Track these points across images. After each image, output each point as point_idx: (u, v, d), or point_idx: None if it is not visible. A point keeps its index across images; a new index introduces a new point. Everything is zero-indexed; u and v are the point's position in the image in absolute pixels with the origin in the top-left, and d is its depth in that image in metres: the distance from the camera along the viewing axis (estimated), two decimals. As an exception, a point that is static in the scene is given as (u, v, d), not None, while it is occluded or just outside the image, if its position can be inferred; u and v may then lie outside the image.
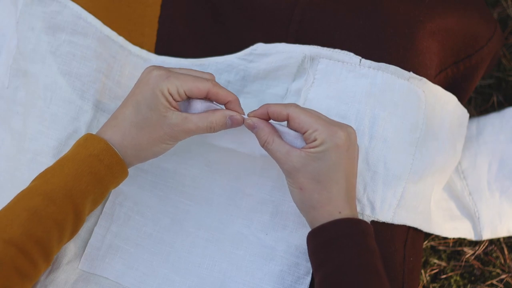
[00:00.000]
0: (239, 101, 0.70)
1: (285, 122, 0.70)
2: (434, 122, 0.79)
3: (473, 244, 0.96)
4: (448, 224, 0.91)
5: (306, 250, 0.72)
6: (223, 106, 0.71)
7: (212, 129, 0.69)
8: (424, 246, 0.96)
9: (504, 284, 0.94)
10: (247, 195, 0.79)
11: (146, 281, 0.76)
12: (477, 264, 0.95)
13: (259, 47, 0.80)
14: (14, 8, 0.81)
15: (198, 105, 0.70)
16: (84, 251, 0.75)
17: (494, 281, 0.94)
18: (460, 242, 0.96)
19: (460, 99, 0.84)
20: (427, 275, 0.95)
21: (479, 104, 1.03)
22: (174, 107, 0.68)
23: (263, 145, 0.69)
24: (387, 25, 0.77)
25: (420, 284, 0.95)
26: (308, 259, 0.74)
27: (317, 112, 0.70)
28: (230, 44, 0.83)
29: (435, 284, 0.96)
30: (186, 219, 0.79)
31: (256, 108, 0.71)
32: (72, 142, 0.76)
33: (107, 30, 0.80)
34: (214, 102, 0.71)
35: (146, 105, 0.67)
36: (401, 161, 0.75)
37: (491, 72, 1.04)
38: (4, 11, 0.85)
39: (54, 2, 0.77)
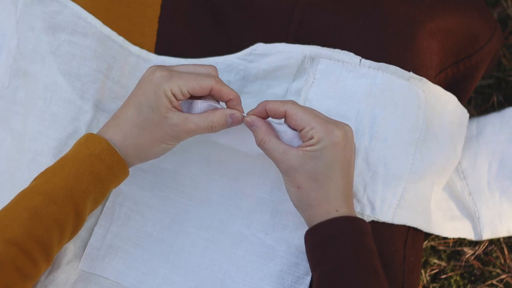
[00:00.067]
0: (240, 99, 0.70)
1: (283, 120, 0.70)
2: (434, 122, 0.79)
3: (473, 244, 0.96)
4: (448, 224, 0.91)
5: (306, 250, 0.72)
6: (224, 104, 0.71)
7: (212, 129, 0.69)
8: (424, 246, 0.96)
9: (504, 284, 0.94)
10: (247, 195, 0.79)
11: (146, 281, 0.76)
12: (477, 264, 0.95)
13: (259, 47, 0.80)
14: (14, 8, 0.81)
15: (199, 105, 0.70)
16: (84, 251, 0.75)
17: (494, 281, 0.94)
18: (460, 242, 0.96)
19: (460, 99, 0.84)
20: (427, 275, 0.95)
21: (479, 104, 1.03)
22: (176, 108, 0.68)
23: (259, 144, 0.69)
24: (387, 25, 0.77)
25: (420, 284, 0.95)
26: (308, 259, 0.74)
27: (314, 110, 0.70)
28: (230, 44, 0.83)
29: (435, 284, 0.96)
30: (186, 219, 0.79)
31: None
32: (72, 142, 0.76)
33: (107, 30, 0.80)
34: (214, 101, 0.71)
35: (148, 106, 0.67)
36: (401, 161, 0.75)
37: (491, 72, 1.04)
38: (4, 11, 0.85)
39: (54, 2, 0.77)
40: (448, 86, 0.82)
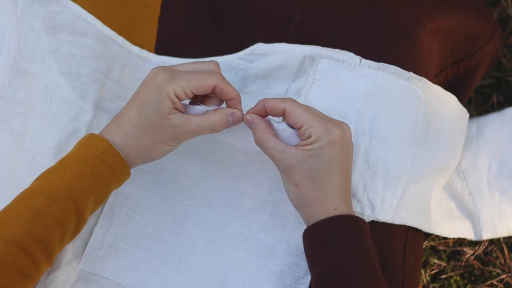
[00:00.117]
0: (240, 98, 0.70)
1: (281, 118, 0.70)
2: (434, 122, 0.79)
3: (473, 244, 0.96)
4: (448, 224, 0.91)
5: (306, 250, 0.72)
6: (224, 106, 0.71)
7: (214, 129, 0.69)
8: (424, 246, 0.96)
9: (504, 284, 0.94)
10: (246, 195, 0.79)
11: (146, 281, 0.76)
12: (477, 264, 0.95)
13: (259, 47, 0.80)
14: (14, 8, 0.81)
15: (198, 109, 0.70)
16: (84, 251, 0.75)
17: (494, 281, 0.94)
18: (460, 242, 0.96)
19: (460, 99, 0.84)
20: (427, 275, 0.95)
21: (479, 104, 1.03)
22: (178, 109, 0.68)
23: (258, 142, 0.69)
24: (387, 25, 0.77)
25: (420, 284, 0.95)
26: (308, 259, 0.74)
27: (313, 108, 0.70)
28: (230, 44, 0.83)
29: (435, 284, 0.96)
30: (186, 219, 0.79)
31: None
32: (72, 142, 0.76)
33: (107, 30, 0.80)
34: (213, 105, 0.71)
35: (150, 108, 0.67)
36: (401, 161, 0.75)
37: (491, 72, 1.04)
38: (4, 11, 0.85)
39: (54, 2, 0.77)
40: (448, 86, 0.83)
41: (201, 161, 0.81)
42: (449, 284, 0.95)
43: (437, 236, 0.96)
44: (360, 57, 0.76)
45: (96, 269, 0.75)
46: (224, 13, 0.85)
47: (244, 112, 0.70)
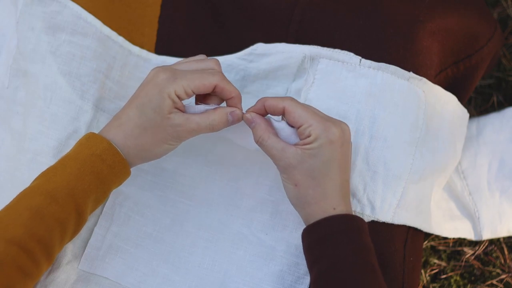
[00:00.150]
0: (241, 97, 0.70)
1: (281, 117, 0.70)
2: (434, 122, 0.79)
3: (473, 244, 0.96)
4: (448, 224, 0.91)
5: (306, 250, 0.72)
6: (224, 104, 0.71)
7: (214, 128, 0.69)
8: (424, 246, 0.96)
9: (504, 284, 0.94)
10: (246, 195, 0.79)
11: (146, 281, 0.76)
12: (477, 264, 0.95)
13: (259, 47, 0.80)
14: (14, 8, 0.81)
15: (198, 108, 0.70)
16: (84, 251, 0.75)
17: (494, 281, 0.94)
18: (460, 242, 0.96)
19: (460, 99, 0.84)
20: (427, 275, 0.95)
21: (479, 104, 1.03)
22: (178, 108, 0.68)
23: (258, 141, 0.69)
24: (387, 25, 0.77)
25: (420, 284, 0.95)
26: (308, 259, 0.74)
27: (313, 107, 0.70)
28: (230, 44, 0.83)
29: (435, 284, 0.96)
30: (186, 219, 0.79)
31: None
32: (72, 142, 0.76)
33: (107, 30, 0.80)
34: (213, 104, 0.71)
35: (150, 108, 0.67)
36: (401, 161, 0.75)
37: (491, 72, 1.04)
38: (4, 11, 0.85)
39: (54, 2, 0.77)
40: (448, 86, 0.83)
41: (201, 161, 0.81)
42: (449, 284, 0.95)
43: (437, 236, 0.96)
44: (360, 57, 0.76)
45: (96, 269, 0.75)
46: (224, 13, 0.85)
47: (244, 111, 0.71)
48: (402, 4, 0.79)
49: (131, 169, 0.71)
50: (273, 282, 0.75)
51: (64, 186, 0.65)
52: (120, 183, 0.70)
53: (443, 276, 0.96)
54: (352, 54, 0.77)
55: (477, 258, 0.95)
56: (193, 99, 0.74)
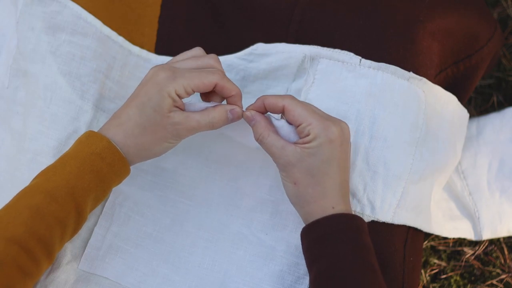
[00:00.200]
0: (241, 95, 0.71)
1: (281, 115, 0.70)
2: (434, 122, 0.79)
3: (473, 244, 0.96)
4: (448, 224, 0.91)
5: (306, 250, 0.72)
6: (224, 101, 0.71)
7: (213, 125, 0.69)
8: (424, 246, 0.96)
9: (504, 284, 0.94)
10: (246, 195, 0.79)
11: (146, 281, 0.76)
12: (477, 264, 0.95)
13: (259, 47, 0.80)
14: (14, 8, 0.81)
15: (198, 105, 0.70)
16: (84, 251, 0.75)
17: (494, 281, 0.94)
18: (460, 242, 0.96)
19: (460, 99, 0.84)
20: (427, 275, 0.95)
21: (479, 104, 1.03)
22: (178, 107, 0.68)
23: (258, 138, 0.69)
24: (387, 25, 0.77)
25: (420, 284, 0.95)
26: (308, 259, 0.74)
27: (313, 106, 0.70)
28: (230, 44, 0.83)
29: (435, 284, 0.96)
30: (186, 219, 0.79)
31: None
32: (72, 142, 0.76)
33: (107, 30, 0.80)
34: (213, 102, 0.71)
35: (150, 107, 0.67)
36: (401, 161, 0.75)
37: (491, 72, 1.04)
38: (4, 11, 0.85)
39: (54, 2, 0.77)
40: (448, 86, 0.83)
41: (201, 161, 0.81)
42: (449, 284, 0.95)
43: (437, 236, 0.96)
44: (360, 57, 0.76)
45: (96, 269, 0.75)
46: (224, 13, 0.85)
47: (244, 109, 0.71)
48: (402, 4, 0.79)
49: (131, 168, 0.71)
50: (273, 282, 0.75)
51: (63, 185, 0.65)
52: (119, 182, 0.70)
53: (443, 276, 0.96)
54: (352, 54, 0.77)
55: (477, 258, 0.95)
56: (192, 96, 0.75)
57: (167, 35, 0.84)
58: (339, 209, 0.67)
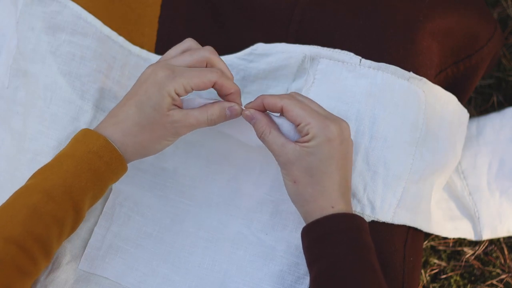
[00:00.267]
0: (239, 93, 0.71)
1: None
2: (434, 122, 0.79)
3: (473, 244, 0.96)
4: (448, 224, 0.91)
5: (306, 250, 0.72)
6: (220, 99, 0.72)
7: (212, 122, 0.69)
8: (424, 246, 0.96)
9: (504, 284, 0.94)
10: (246, 195, 0.79)
11: (146, 281, 0.76)
12: (477, 264, 0.95)
13: (259, 47, 0.80)
14: (14, 8, 0.81)
15: (196, 101, 0.70)
16: (84, 251, 0.75)
17: (494, 281, 0.94)
18: (460, 242, 0.96)
19: (460, 99, 0.84)
20: (427, 275, 0.95)
21: (479, 104, 1.03)
22: (177, 105, 0.68)
23: (260, 136, 0.69)
24: (387, 25, 0.77)
25: (420, 284, 0.95)
26: (308, 259, 0.74)
27: (313, 103, 0.70)
28: (230, 44, 0.83)
29: (435, 284, 0.96)
30: (186, 219, 0.79)
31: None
32: (72, 142, 0.76)
33: (107, 30, 0.80)
34: (209, 98, 0.71)
35: (150, 106, 0.67)
36: (401, 161, 0.75)
37: (491, 72, 1.04)
38: (4, 11, 0.85)
39: (54, 2, 0.77)
40: (448, 86, 0.83)
41: (201, 161, 0.81)
42: (449, 284, 0.95)
43: (437, 236, 0.96)
44: (360, 57, 0.76)
45: (96, 269, 0.75)
46: (224, 13, 0.85)
47: (243, 107, 0.71)
48: (402, 4, 0.79)
49: (130, 169, 0.71)
50: (273, 282, 0.75)
51: (61, 184, 0.65)
52: (117, 179, 0.70)
53: (443, 276, 0.96)
54: (352, 54, 0.77)
55: (477, 258, 0.95)
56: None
57: (167, 35, 0.84)
58: (338, 208, 0.67)
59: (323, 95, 0.76)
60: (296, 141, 0.68)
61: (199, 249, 0.78)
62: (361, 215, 0.75)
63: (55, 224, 0.64)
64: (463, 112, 0.85)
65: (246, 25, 0.84)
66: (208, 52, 0.70)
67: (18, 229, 0.62)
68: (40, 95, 0.77)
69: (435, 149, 0.79)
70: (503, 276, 0.94)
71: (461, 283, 0.95)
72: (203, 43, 0.85)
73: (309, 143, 0.66)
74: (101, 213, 0.77)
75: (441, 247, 0.96)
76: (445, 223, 0.91)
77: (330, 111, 0.75)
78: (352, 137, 0.73)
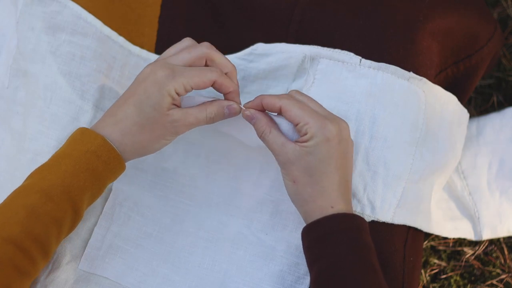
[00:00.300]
0: (238, 92, 0.71)
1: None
2: (434, 122, 0.79)
3: (473, 244, 0.96)
4: (448, 224, 0.91)
5: (306, 250, 0.72)
6: (222, 96, 0.71)
7: (210, 120, 0.70)
8: (424, 246, 0.96)
9: (504, 284, 0.94)
10: (246, 195, 0.79)
11: (146, 281, 0.76)
12: (477, 264, 0.95)
13: (259, 47, 0.80)
14: (14, 8, 0.81)
15: (194, 100, 0.70)
16: (84, 251, 0.75)
17: (494, 281, 0.94)
18: (460, 242, 0.96)
19: (460, 99, 0.84)
20: (427, 275, 0.95)
21: (479, 104, 1.03)
22: (176, 105, 0.68)
23: (260, 135, 0.70)
24: (387, 25, 0.77)
25: (420, 284, 0.95)
26: (308, 259, 0.74)
27: (313, 102, 0.70)
28: (230, 44, 0.83)
29: (435, 284, 0.96)
30: (186, 219, 0.79)
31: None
32: (72, 142, 0.76)
33: (107, 30, 0.80)
34: (208, 96, 0.71)
35: (150, 105, 0.67)
36: (401, 161, 0.75)
37: (491, 72, 1.04)
38: (4, 11, 0.85)
39: (54, 2, 0.77)
40: (448, 86, 0.83)
41: (201, 161, 0.81)
42: (449, 284, 0.95)
43: (437, 236, 0.96)
44: (360, 57, 0.77)
45: (96, 269, 0.75)
46: (224, 13, 0.85)
47: (242, 105, 0.71)
48: (402, 4, 0.79)
49: (130, 169, 0.71)
50: (273, 282, 0.75)
51: (59, 184, 0.64)
52: (115, 178, 0.70)
53: (443, 276, 0.96)
54: (352, 54, 0.77)
55: (477, 258, 0.95)
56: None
57: (167, 35, 0.84)
58: (338, 208, 0.67)
59: (323, 95, 0.76)
60: (296, 141, 0.68)
61: (199, 249, 0.78)
62: (361, 215, 0.75)
63: (54, 224, 0.64)
64: (463, 112, 0.85)
65: (246, 25, 0.84)
66: (206, 48, 0.70)
67: (17, 229, 0.62)
68: (40, 95, 0.77)
69: (435, 149, 0.79)
70: (503, 276, 0.94)
71: (461, 283, 0.95)
72: (203, 43, 0.85)
73: (307, 142, 0.67)
74: (101, 213, 0.77)
75: (441, 247, 0.96)
76: (445, 223, 0.91)
77: (330, 111, 0.75)
78: (352, 137, 0.73)
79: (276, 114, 0.71)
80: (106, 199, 0.77)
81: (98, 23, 0.79)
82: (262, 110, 0.70)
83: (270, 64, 0.80)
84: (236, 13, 0.84)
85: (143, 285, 0.76)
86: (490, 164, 0.93)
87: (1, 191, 0.77)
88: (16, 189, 0.65)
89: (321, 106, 0.70)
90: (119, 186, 0.77)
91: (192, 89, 0.68)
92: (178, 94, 0.67)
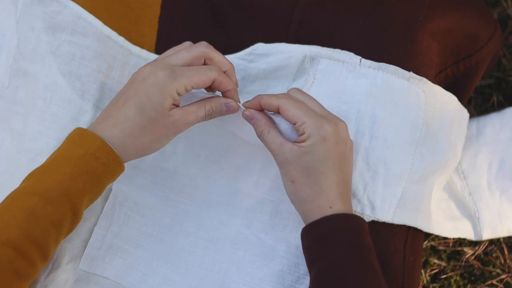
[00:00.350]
0: (237, 90, 0.71)
1: None
2: (434, 122, 0.79)
3: (473, 244, 0.96)
4: (448, 224, 0.91)
5: (307, 250, 0.72)
6: (219, 93, 0.72)
7: (209, 117, 0.70)
8: (424, 246, 0.96)
9: (504, 284, 0.94)
10: (246, 195, 0.79)
11: (146, 281, 0.76)
12: (477, 264, 0.95)
13: (259, 47, 0.80)
14: (14, 8, 0.81)
15: (192, 96, 0.70)
16: (84, 251, 0.75)
17: (494, 281, 0.94)
18: (460, 242, 0.96)
19: (460, 99, 0.84)
20: (427, 275, 0.95)
21: (479, 104, 1.03)
22: (177, 105, 0.68)
23: (259, 135, 0.70)
24: (387, 25, 0.77)
25: (420, 284, 0.95)
26: (309, 259, 0.74)
27: (311, 101, 0.70)
28: (230, 44, 0.83)
29: (435, 284, 0.96)
30: (186, 219, 0.79)
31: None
32: (72, 143, 0.76)
33: (107, 30, 0.80)
34: (207, 92, 0.72)
35: (151, 107, 0.67)
36: (401, 161, 0.75)
37: (491, 72, 1.04)
38: (4, 11, 0.85)
39: (54, 2, 0.77)
40: (448, 86, 0.83)
41: (201, 161, 0.81)
42: (449, 284, 0.95)
43: (437, 236, 0.96)
44: (360, 57, 0.77)
45: (96, 269, 0.75)
46: (224, 13, 0.85)
47: (241, 104, 0.71)
48: (402, 4, 0.79)
49: (130, 169, 0.71)
50: (273, 282, 0.75)
51: (58, 186, 0.64)
52: (114, 180, 0.70)
53: (443, 276, 0.96)
54: (352, 54, 0.77)
55: (477, 258, 0.95)
56: None
57: (167, 35, 0.84)
58: (336, 208, 0.67)
59: (323, 95, 0.76)
60: (294, 141, 0.68)
61: (199, 249, 0.78)
62: (361, 215, 0.75)
63: (53, 227, 0.64)
64: (463, 112, 0.85)
65: (246, 25, 0.84)
66: (204, 47, 0.70)
67: (16, 232, 0.61)
68: (40, 95, 0.77)
69: (435, 149, 0.79)
70: (503, 276, 0.94)
71: (461, 283, 0.95)
72: (203, 43, 0.85)
73: (304, 142, 0.67)
74: (101, 213, 0.77)
75: (441, 247, 0.96)
76: (445, 223, 0.91)
77: (330, 111, 0.75)
78: (352, 137, 0.74)
79: (272, 114, 0.71)
80: (106, 199, 0.77)
81: (98, 23, 0.79)
82: (261, 109, 0.71)
83: (270, 64, 0.80)
84: (236, 13, 0.84)
85: (143, 285, 0.76)
86: (490, 164, 0.93)
87: (1, 191, 0.77)
88: (14, 191, 0.65)
89: (320, 105, 0.70)
90: (119, 186, 0.77)
91: (193, 88, 0.68)
92: (179, 94, 0.67)
